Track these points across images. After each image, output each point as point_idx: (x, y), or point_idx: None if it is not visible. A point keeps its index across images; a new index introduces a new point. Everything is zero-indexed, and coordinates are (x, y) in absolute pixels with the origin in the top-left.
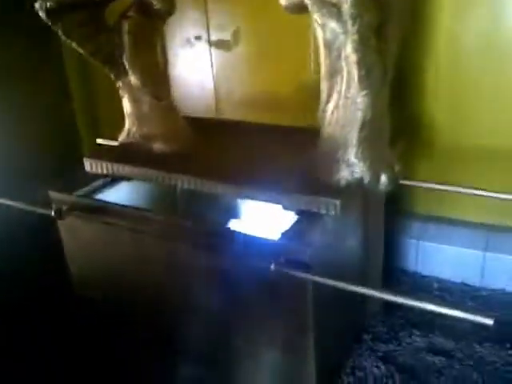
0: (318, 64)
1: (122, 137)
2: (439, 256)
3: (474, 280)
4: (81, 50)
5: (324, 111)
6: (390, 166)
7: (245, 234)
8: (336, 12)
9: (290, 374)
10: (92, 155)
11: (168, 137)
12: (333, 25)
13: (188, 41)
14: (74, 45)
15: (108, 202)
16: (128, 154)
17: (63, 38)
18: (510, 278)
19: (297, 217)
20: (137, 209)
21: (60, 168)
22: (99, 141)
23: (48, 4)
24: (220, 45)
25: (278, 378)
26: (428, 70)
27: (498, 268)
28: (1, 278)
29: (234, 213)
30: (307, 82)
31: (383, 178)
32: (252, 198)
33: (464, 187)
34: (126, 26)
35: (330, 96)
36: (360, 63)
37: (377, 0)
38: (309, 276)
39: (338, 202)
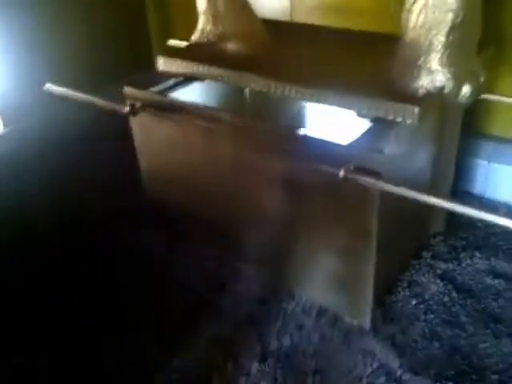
0: None
1: (195, 36)
2: (510, 180)
3: None
4: None
5: (409, 12)
6: (474, 75)
7: (314, 138)
8: None
9: (349, 280)
10: (165, 53)
11: (242, 37)
12: None
13: None
14: None
15: (181, 101)
16: (201, 54)
17: None
18: None
19: (370, 124)
20: (208, 108)
21: (131, 67)
22: (171, 42)
23: None
24: None
25: (336, 282)
26: None
27: None
28: (73, 176)
29: (304, 118)
30: None
31: (465, 89)
32: (325, 102)
33: None
34: None
35: None
36: None
37: None
38: (378, 184)
39: (416, 110)
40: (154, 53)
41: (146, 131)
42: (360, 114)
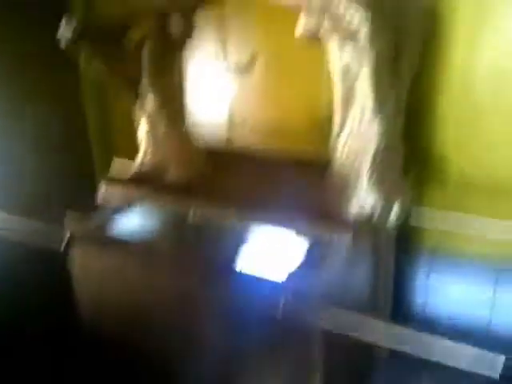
0: (331, 92)
1: (137, 160)
2: (448, 291)
3: (483, 316)
4: (100, 74)
5: (337, 140)
6: (401, 197)
7: (251, 275)
8: (352, 42)
9: None
10: (106, 182)
11: (182, 163)
12: (348, 54)
13: (205, 65)
14: (94, 69)
15: (120, 230)
16: (142, 181)
17: (84, 62)
18: None
19: (306, 250)
20: (147, 238)
21: (72, 194)
22: (115, 160)
23: (71, 30)
24: (236, 69)
25: None
26: (438, 101)
27: (509, 303)
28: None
29: (243, 244)
30: (321, 110)
31: (395, 209)
32: (264, 225)
33: (473, 220)
34: (146, 50)
35: (343, 125)
36: (375, 92)
37: (390, 34)
38: (316, 324)
39: (349, 234)
40: (97, 175)
41: (83, 261)
42: (298, 238)
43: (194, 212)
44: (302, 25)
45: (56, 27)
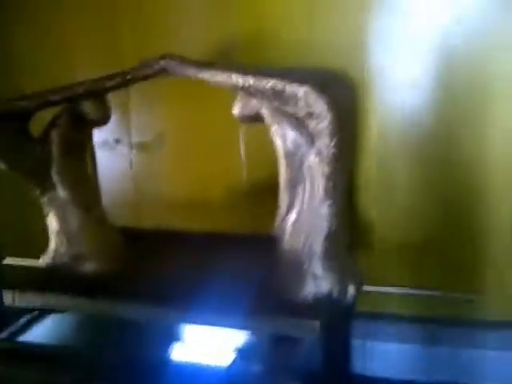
0: (249, 167)
1: (47, 259)
2: (385, 354)
3: (420, 375)
4: (1, 165)
5: (284, 222)
6: (355, 274)
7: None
8: (297, 123)
9: None
10: (12, 285)
11: (100, 254)
12: (294, 135)
13: (106, 143)
14: None
15: (36, 343)
16: (55, 281)
17: None
18: (455, 371)
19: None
20: (67, 349)
21: None
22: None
23: None
24: (142, 148)
25: None
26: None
27: (443, 361)
28: None
29: (179, 341)
30: (239, 186)
31: (351, 289)
32: (208, 325)
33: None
34: (54, 136)
35: (290, 207)
36: (330, 175)
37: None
38: None
39: (317, 323)
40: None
41: None
42: (253, 333)
43: (121, 314)
44: (240, 106)
45: None
